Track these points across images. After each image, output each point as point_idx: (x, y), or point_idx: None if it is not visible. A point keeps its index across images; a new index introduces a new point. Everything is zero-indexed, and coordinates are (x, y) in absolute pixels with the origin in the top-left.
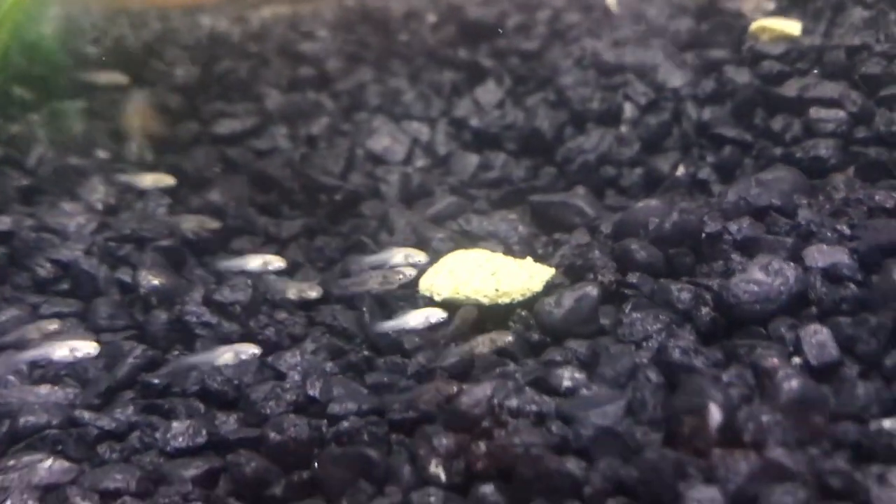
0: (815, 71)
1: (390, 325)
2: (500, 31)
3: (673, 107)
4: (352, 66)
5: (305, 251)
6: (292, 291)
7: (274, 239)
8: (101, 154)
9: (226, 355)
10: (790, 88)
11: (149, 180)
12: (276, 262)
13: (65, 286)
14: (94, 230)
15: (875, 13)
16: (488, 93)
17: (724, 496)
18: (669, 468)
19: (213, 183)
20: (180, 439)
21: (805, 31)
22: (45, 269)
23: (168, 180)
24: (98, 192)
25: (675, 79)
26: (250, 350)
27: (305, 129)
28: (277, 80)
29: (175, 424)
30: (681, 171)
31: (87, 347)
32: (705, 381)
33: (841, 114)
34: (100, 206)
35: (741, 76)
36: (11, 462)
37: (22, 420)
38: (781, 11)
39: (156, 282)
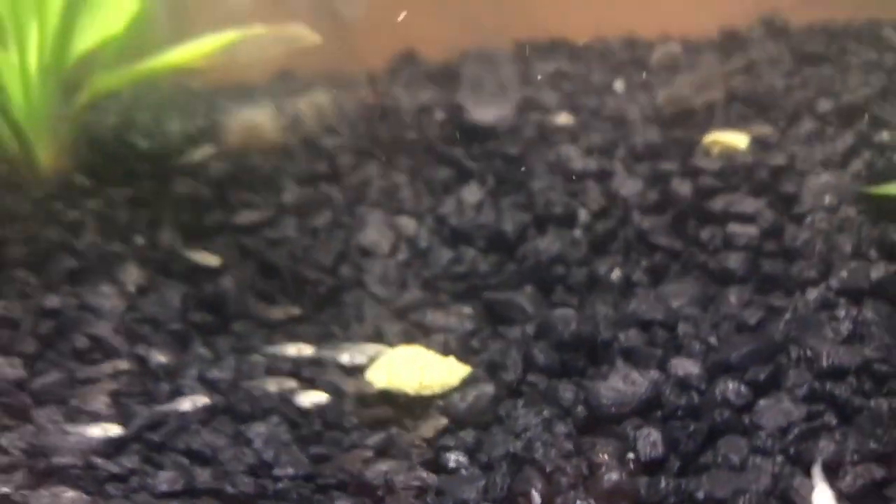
0: (744, 187)
1: None
2: (494, 134)
3: (620, 214)
4: (361, 161)
5: (289, 336)
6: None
7: (265, 324)
8: (138, 240)
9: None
10: (718, 203)
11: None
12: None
13: (97, 356)
14: (123, 310)
15: (821, 126)
16: (471, 193)
17: None
18: None
19: (227, 270)
20: (164, 485)
21: (754, 143)
22: (81, 342)
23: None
24: (132, 276)
25: (626, 188)
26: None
27: (312, 221)
28: (297, 173)
29: (162, 473)
30: (616, 274)
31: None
32: (534, 471)
33: (753, 230)
34: (132, 289)
35: (683, 188)
36: (44, 491)
37: (54, 459)
38: (744, 120)
39: (162, 359)
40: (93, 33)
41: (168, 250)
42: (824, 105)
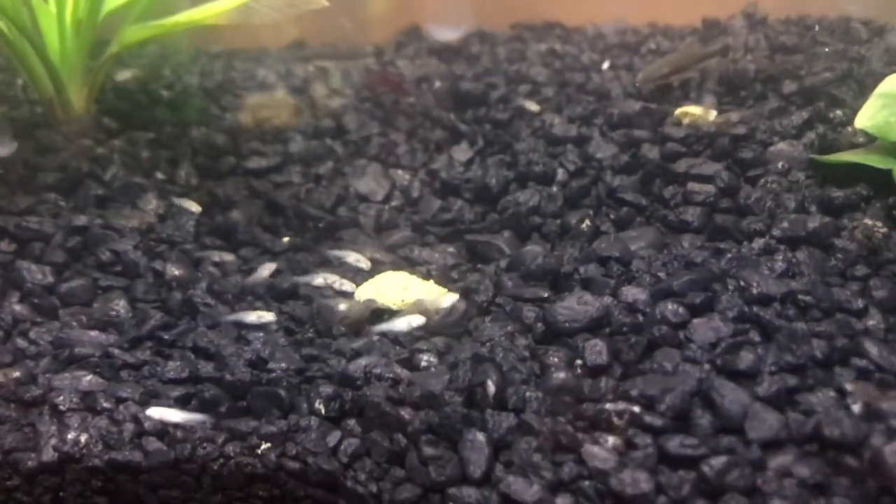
0: (707, 152)
1: (381, 328)
2: (486, 102)
3: (594, 174)
4: (365, 120)
5: (289, 263)
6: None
7: (269, 251)
8: (159, 175)
9: (251, 316)
10: (682, 165)
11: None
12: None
13: (118, 268)
14: (142, 232)
15: (784, 104)
16: (461, 151)
17: (488, 441)
18: (459, 418)
19: (237, 205)
20: (172, 373)
21: (721, 116)
22: (105, 256)
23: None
24: (152, 204)
25: (602, 151)
26: (268, 316)
27: (315, 169)
28: (305, 127)
29: (170, 363)
30: (586, 224)
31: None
32: (492, 366)
33: (711, 188)
34: (152, 215)
35: (652, 153)
36: (66, 374)
37: (77, 350)
38: (716, 97)
39: (177, 272)
40: None
41: (184, 185)
42: (790, 86)
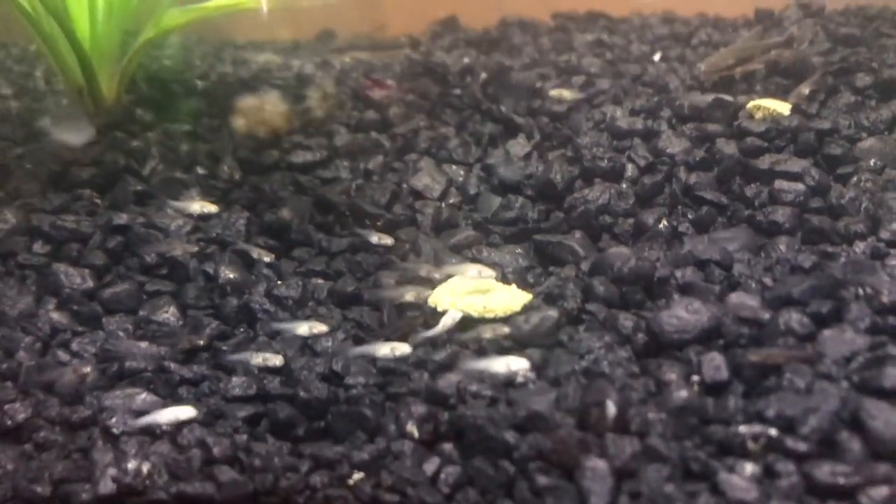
0: (790, 148)
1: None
2: (539, 94)
3: (667, 170)
4: (410, 113)
5: (348, 263)
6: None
7: (325, 252)
8: (200, 170)
9: (302, 328)
10: (764, 162)
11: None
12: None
13: (164, 272)
14: (188, 231)
15: (860, 98)
16: (518, 145)
17: (610, 468)
18: (575, 443)
19: (285, 203)
20: (237, 390)
21: (795, 110)
22: (150, 258)
23: (212, 208)
24: (195, 202)
25: (673, 146)
26: (321, 327)
27: (364, 164)
28: (348, 120)
29: (234, 379)
30: (663, 224)
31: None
32: (609, 384)
33: (801, 186)
34: (195, 213)
35: (729, 148)
36: (118, 392)
37: (127, 364)
38: (785, 90)
39: (231, 275)
40: None
41: (228, 181)
42: (863, 80)
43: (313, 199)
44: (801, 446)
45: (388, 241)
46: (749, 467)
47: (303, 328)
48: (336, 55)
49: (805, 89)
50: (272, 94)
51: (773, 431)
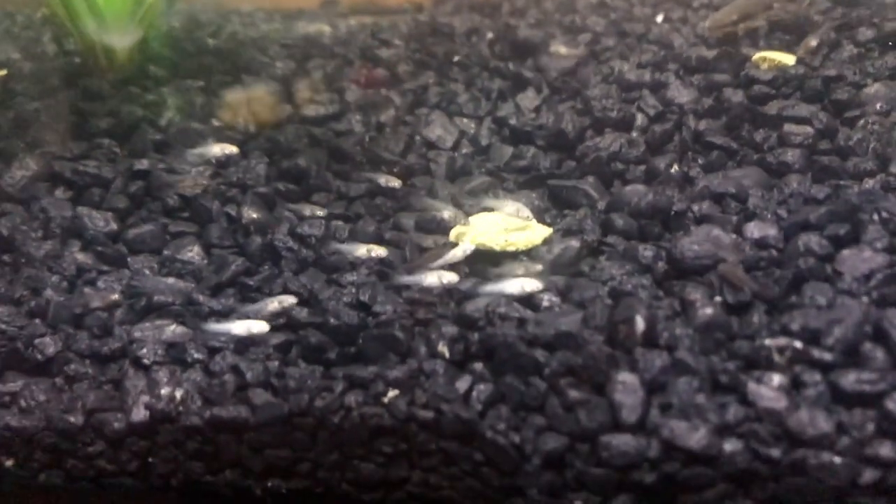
0: (797, 95)
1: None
2: (545, 50)
3: (676, 118)
4: (419, 70)
5: (367, 207)
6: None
7: (343, 196)
8: (216, 122)
9: (361, 250)
10: (772, 108)
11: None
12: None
13: (186, 214)
14: (209, 175)
15: (863, 51)
16: (527, 99)
17: (640, 382)
18: (604, 358)
19: (300, 152)
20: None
21: (800, 62)
22: (172, 200)
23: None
24: (214, 150)
25: (682, 96)
26: (379, 250)
27: (376, 117)
28: (357, 77)
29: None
30: (675, 169)
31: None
32: (637, 301)
33: (809, 129)
34: (213, 161)
35: (736, 96)
36: (147, 324)
37: (155, 298)
38: (787, 46)
39: (254, 215)
40: None
41: (243, 132)
42: (865, 34)
43: (328, 149)
44: (827, 356)
45: (395, 182)
46: (777, 378)
47: (361, 250)
48: (341, 20)
49: (812, 41)
50: (283, 53)
51: (798, 343)
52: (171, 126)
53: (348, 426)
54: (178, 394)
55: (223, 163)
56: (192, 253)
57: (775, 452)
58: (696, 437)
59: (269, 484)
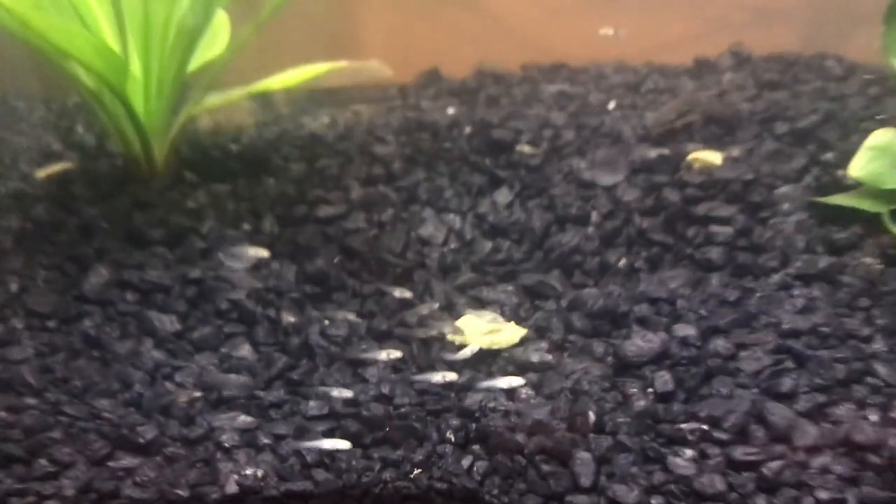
0: (721, 196)
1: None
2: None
3: (624, 216)
4: (410, 166)
5: (378, 305)
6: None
7: (358, 294)
8: (246, 226)
9: (381, 355)
10: (701, 209)
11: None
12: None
13: (235, 316)
14: (248, 279)
15: (780, 146)
16: (502, 195)
17: (592, 458)
18: (567, 441)
19: (319, 253)
20: (314, 411)
21: (727, 159)
22: (224, 304)
23: (264, 253)
24: (249, 254)
25: (628, 195)
26: (396, 353)
27: (378, 216)
28: (358, 174)
29: (311, 402)
30: (622, 262)
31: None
32: (590, 398)
33: (729, 229)
34: (252, 265)
35: (673, 196)
36: (221, 415)
37: (224, 392)
38: (718, 139)
39: (291, 319)
40: (199, 56)
41: (270, 235)
42: (781, 127)
43: (339, 248)
44: (724, 436)
45: (407, 294)
46: (688, 452)
47: (382, 355)
48: (340, 110)
49: (734, 151)
50: (295, 154)
51: (704, 426)
52: (212, 232)
53: (386, 495)
54: (259, 472)
55: (257, 266)
56: (245, 351)
57: None
58: (631, 496)
59: None
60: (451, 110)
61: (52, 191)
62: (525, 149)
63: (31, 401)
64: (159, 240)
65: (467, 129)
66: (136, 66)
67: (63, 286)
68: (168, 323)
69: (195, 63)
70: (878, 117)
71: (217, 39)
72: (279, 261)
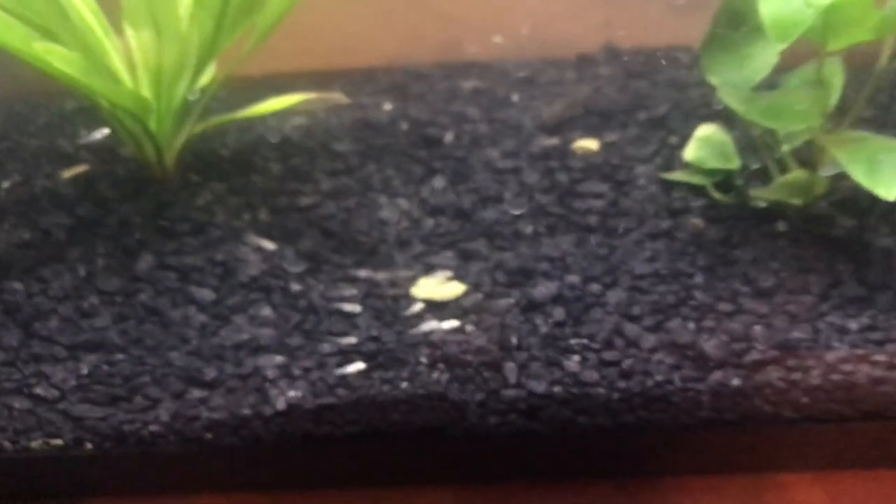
0: (597, 175)
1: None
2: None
3: (528, 195)
4: (363, 160)
5: (358, 275)
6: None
7: (340, 266)
8: (247, 217)
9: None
10: (583, 187)
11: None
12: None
13: (254, 287)
14: (261, 261)
15: (641, 132)
16: (438, 182)
17: (516, 366)
18: (499, 358)
19: (305, 235)
20: (327, 349)
21: (601, 147)
22: (245, 278)
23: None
24: (255, 241)
25: (530, 179)
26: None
27: (344, 202)
28: (324, 169)
29: (324, 345)
30: (529, 230)
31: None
32: (511, 329)
33: (602, 202)
34: (256, 248)
35: (563, 177)
36: (261, 357)
37: (260, 341)
38: (596, 129)
39: (297, 287)
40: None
41: (265, 223)
42: (642, 116)
43: (320, 230)
44: (597, 346)
45: (377, 265)
46: (575, 357)
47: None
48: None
49: (608, 137)
50: (273, 154)
51: (585, 341)
52: (223, 224)
53: (385, 402)
54: (298, 393)
55: (262, 248)
56: (267, 311)
57: None
58: (541, 387)
59: None
60: (387, 107)
61: (81, 191)
62: (450, 137)
63: (120, 356)
64: (186, 232)
65: (404, 126)
66: (148, 94)
67: (120, 270)
68: (206, 294)
69: (200, 83)
70: (715, 107)
71: (208, 70)
72: (277, 244)
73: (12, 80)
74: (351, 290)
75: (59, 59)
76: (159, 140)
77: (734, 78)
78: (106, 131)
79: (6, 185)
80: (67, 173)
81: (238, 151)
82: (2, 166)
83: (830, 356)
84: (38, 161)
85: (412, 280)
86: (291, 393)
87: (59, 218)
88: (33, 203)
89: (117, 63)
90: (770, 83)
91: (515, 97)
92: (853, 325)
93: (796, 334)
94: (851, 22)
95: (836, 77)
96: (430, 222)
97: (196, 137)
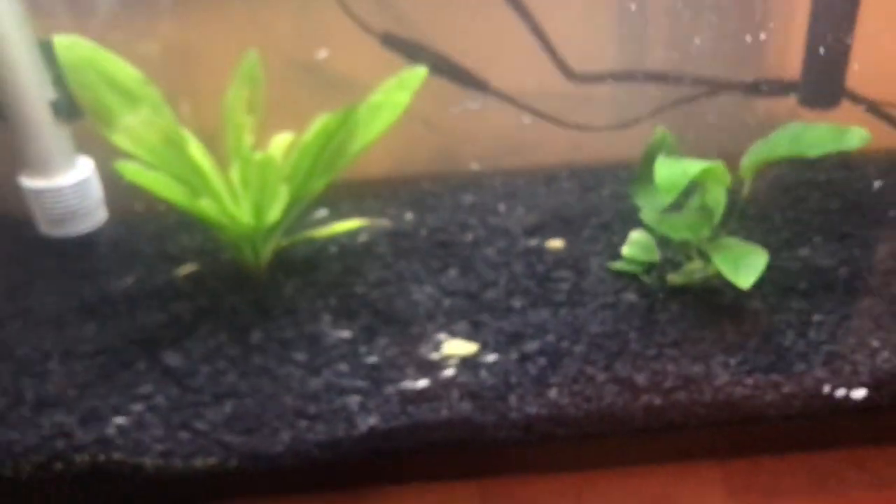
0: (563, 268)
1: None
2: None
3: (515, 280)
4: (403, 260)
5: (405, 342)
6: None
7: (395, 337)
8: (319, 303)
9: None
10: (554, 275)
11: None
12: None
13: (335, 353)
14: (334, 333)
15: (596, 234)
16: (453, 273)
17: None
18: (503, 386)
19: (362, 314)
20: (402, 377)
21: (565, 245)
22: (328, 345)
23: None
24: (328, 321)
25: (517, 269)
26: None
27: (387, 290)
28: (370, 266)
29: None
30: (518, 304)
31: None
32: (507, 370)
33: (567, 284)
34: (332, 326)
35: (540, 268)
36: (359, 381)
37: (344, 381)
38: (563, 231)
39: (369, 352)
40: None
41: (335, 307)
42: (594, 221)
43: (373, 311)
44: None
45: (419, 336)
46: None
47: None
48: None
49: (572, 238)
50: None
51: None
52: (305, 309)
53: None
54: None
55: (334, 324)
56: (344, 367)
57: None
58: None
59: None
60: (409, 217)
61: (194, 285)
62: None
63: (249, 401)
64: (280, 314)
65: (423, 233)
66: (251, 221)
67: (238, 341)
68: (301, 356)
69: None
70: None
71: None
72: (343, 320)
73: (124, 200)
74: (397, 350)
75: (208, 208)
76: (258, 250)
77: (651, 203)
78: (200, 239)
79: (130, 280)
80: (182, 272)
81: (309, 256)
82: (126, 266)
83: (717, 382)
84: (154, 262)
85: (440, 342)
86: (370, 420)
87: (183, 305)
88: (158, 294)
89: (228, 199)
90: (677, 204)
91: (502, 207)
92: (732, 361)
93: (695, 369)
94: (711, 180)
95: (719, 204)
96: (448, 302)
97: (282, 248)
